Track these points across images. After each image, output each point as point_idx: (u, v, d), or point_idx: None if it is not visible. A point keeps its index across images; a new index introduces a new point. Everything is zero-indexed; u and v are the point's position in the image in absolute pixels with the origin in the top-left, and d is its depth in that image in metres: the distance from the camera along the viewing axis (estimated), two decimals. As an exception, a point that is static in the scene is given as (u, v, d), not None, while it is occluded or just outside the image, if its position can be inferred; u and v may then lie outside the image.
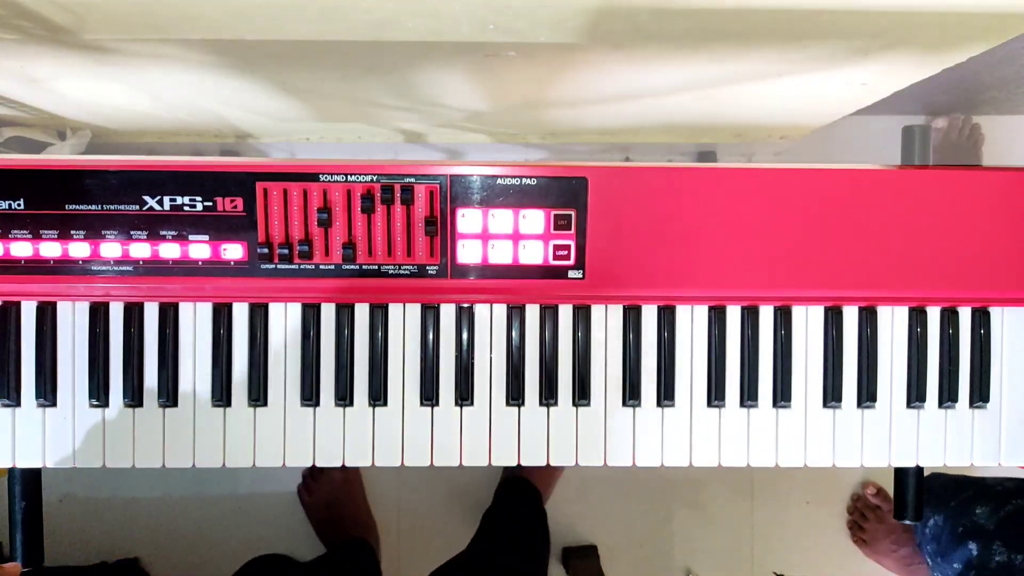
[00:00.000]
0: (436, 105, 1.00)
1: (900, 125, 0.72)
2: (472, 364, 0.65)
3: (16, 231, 0.61)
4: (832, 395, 0.66)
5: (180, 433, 0.64)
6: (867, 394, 0.66)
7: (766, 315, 0.66)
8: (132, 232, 0.61)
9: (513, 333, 0.65)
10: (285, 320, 0.64)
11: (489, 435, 0.65)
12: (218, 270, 0.62)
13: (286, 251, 0.62)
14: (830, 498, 1.45)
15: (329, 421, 0.64)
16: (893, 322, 0.66)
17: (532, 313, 0.65)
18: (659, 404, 0.66)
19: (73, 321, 0.63)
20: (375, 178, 0.62)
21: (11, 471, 0.66)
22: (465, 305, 0.65)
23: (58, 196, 0.61)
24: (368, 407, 0.64)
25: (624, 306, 0.65)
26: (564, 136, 1.20)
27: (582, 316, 0.65)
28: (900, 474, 0.71)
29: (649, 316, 0.66)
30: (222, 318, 0.64)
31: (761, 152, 1.25)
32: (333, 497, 1.26)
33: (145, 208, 0.61)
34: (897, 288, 0.65)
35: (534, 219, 0.63)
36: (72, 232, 0.61)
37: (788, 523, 1.44)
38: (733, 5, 0.59)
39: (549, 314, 0.65)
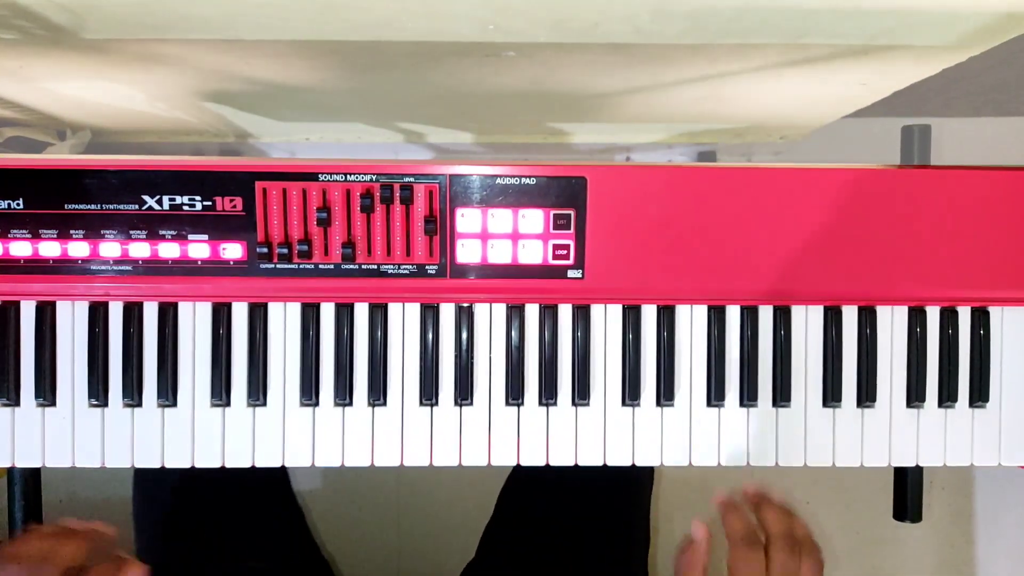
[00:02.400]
0: (435, 104, 1.00)
1: (900, 125, 0.72)
2: (472, 364, 0.65)
3: (15, 231, 0.61)
4: (832, 395, 0.66)
5: (179, 433, 0.64)
6: (867, 394, 0.66)
7: (765, 315, 0.66)
8: (131, 232, 0.61)
9: (513, 333, 0.65)
10: (284, 320, 0.64)
11: (489, 435, 0.65)
12: (217, 270, 0.62)
13: (285, 251, 0.62)
14: (830, 498, 1.45)
15: (328, 421, 0.64)
16: (892, 322, 0.66)
17: (531, 313, 0.65)
18: (658, 404, 0.66)
19: (72, 321, 0.63)
20: (374, 178, 0.62)
21: (11, 471, 0.66)
22: (465, 305, 0.65)
23: (58, 196, 0.61)
24: (367, 407, 0.64)
25: (624, 305, 0.65)
26: (563, 136, 1.20)
27: (581, 316, 0.65)
28: (900, 474, 0.71)
29: (649, 316, 0.66)
30: (221, 318, 0.64)
31: (761, 152, 1.25)
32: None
33: (144, 208, 0.61)
34: (896, 288, 0.65)
35: (533, 219, 0.63)
36: (71, 232, 0.61)
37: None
38: (733, 5, 0.59)
39: (548, 314, 0.65)
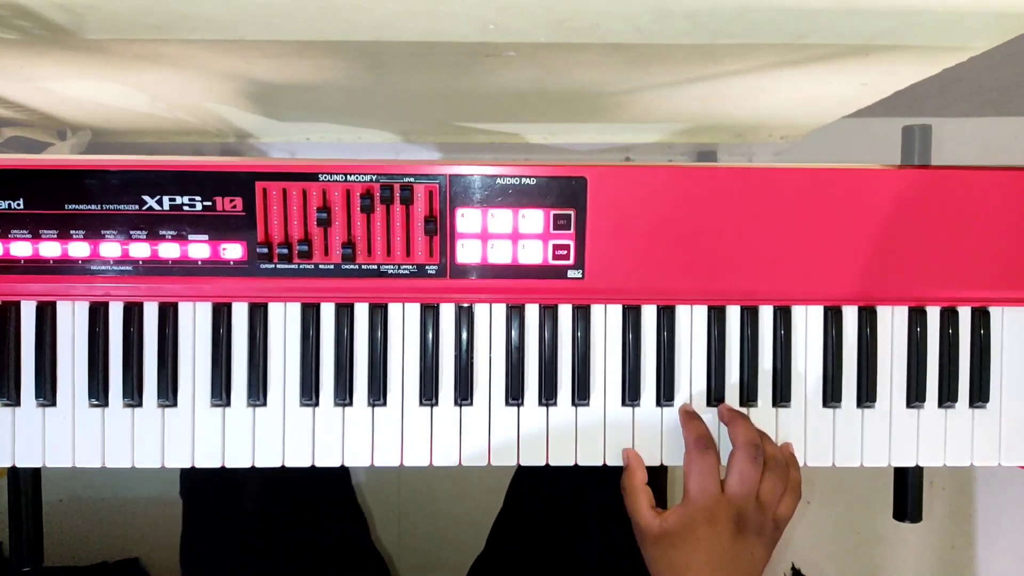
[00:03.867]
0: (435, 104, 1.00)
1: (900, 125, 0.72)
2: (472, 364, 0.65)
3: (16, 231, 0.61)
4: (832, 395, 0.66)
5: (179, 433, 0.64)
6: (867, 394, 0.66)
7: (766, 315, 0.66)
8: (132, 232, 0.61)
9: (512, 333, 0.65)
10: (284, 320, 0.64)
11: (488, 435, 0.65)
12: (217, 270, 0.62)
13: (285, 251, 0.62)
14: (831, 498, 1.45)
15: (328, 421, 0.64)
16: (893, 322, 0.66)
17: (531, 313, 0.65)
18: (658, 404, 0.66)
19: (73, 321, 0.63)
20: (374, 178, 0.62)
21: (11, 471, 0.66)
22: (465, 305, 0.65)
23: (58, 196, 0.61)
24: (367, 407, 0.64)
25: (624, 305, 0.65)
26: (564, 136, 1.20)
27: (581, 316, 0.65)
28: (900, 474, 0.71)
29: (649, 316, 0.66)
30: (221, 318, 0.64)
31: (761, 152, 1.25)
32: None
33: (145, 208, 0.61)
34: (897, 288, 0.65)
35: (533, 219, 0.63)
36: (72, 232, 0.61)
37: (789, 524, 1.44)
38: (733, 5, 0.59)
39: (548, 314, 0.65)
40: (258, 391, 0.63)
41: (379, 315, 0.64)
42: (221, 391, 0.63)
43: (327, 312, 0.64)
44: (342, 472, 0.89)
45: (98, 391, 0.63)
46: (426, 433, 0.65)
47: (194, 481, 0.82)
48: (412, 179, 0.62)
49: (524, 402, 0.65)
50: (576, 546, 0.83)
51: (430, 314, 0.64)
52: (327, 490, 0.85)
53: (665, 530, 0.59)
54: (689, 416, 0.64)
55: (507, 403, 0.65)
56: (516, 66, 0.77)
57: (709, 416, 0.66)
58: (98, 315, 0.63)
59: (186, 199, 0.61)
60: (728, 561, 0.58)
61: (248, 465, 0.64)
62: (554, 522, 0.85)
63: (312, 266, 0.63)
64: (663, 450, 0.66)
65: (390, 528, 1.41)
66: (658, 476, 0.68)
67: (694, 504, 0.59)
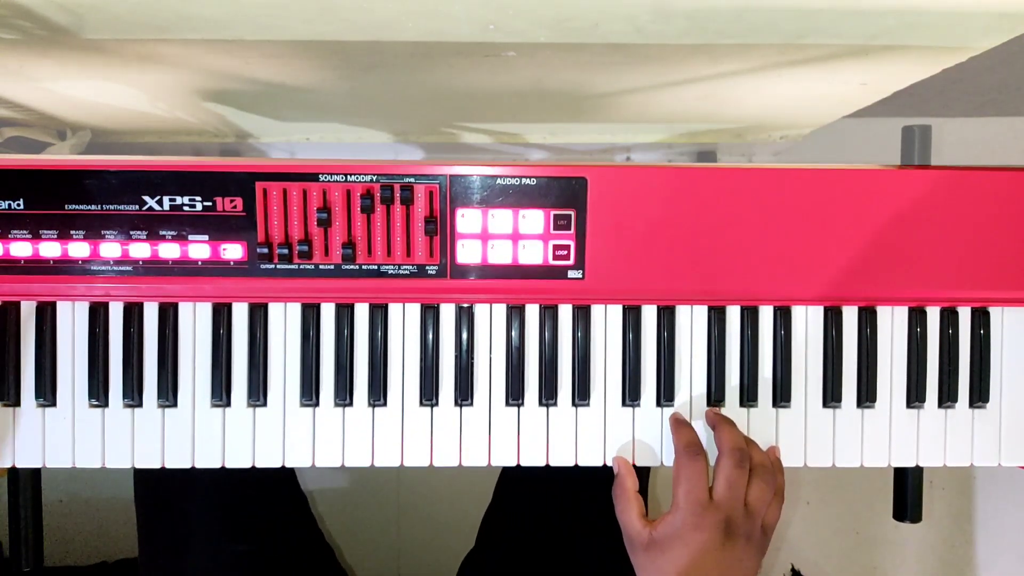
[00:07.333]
0: (435, 105, 1.00)
1: (900, 125, 0.72)
2: (472, 364, 0.65)
3: (16, 231, 0.61)
4: (832, 395, 0.66)
5: (179, 433, 0.64)
6: (867, 394, 0.66)
7: (766, 315, 0.66)
8: (132, 232, 0.61)
9: (513, 333, 0.65)
10: (285, 320, 0.64)
11: (489, 435, 0.65)
12: (218, 270, 0.62)
13: (286, 251, 0.62)
14: (830, 498, 1.45)
15: (329, 421, 0.64)
16: (893, 322, 0.66)
17: (532, 313, 0.65)
18: (658, 404, 0.66)
19: (73, 321, 0.63)
20: (375, 178, 0.62)
21: (11, 471, 0.66)
22: (465, 305, 0.65)
23: (58, 196, 0.61)
24: (368, 407, 0.64)
25: (624, 306, 0.65)
26: (564, 136, 1.20)
27: (582, 316, 0.65)
28: (900, 474, 0.71)
29: (649, 316, 0.66)
30: (222, 318, 0.64)
31: (761, 152, 1.25)
32: None
33: (145, 208, 0.61)
34: (897, 288, 0.65)
35: (534, 219, 0.63)
36: (72, 232, 0.61)
37: (788, 524, 1.44)
38: (733, 5, 0.59)
39: (549, 314, 0.65)
40: (258, 391, 0.63)
41: (379, 315, 0.64)
42: (221, 391, 0.63)
43: (327, 312, 0.64)
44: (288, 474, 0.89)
45: (98, 391, 0.63)
46: (426, 433, 0.65)
47: (147, 489, 0.81)
48: (412, 179, 0.62)
49: (524, 402, 0.65)
50: (565, 537, 0.83)
51: (430, 314, 0.64)
52: (270, 476, 0.84)
53: (654, 538, 0.59)
54: (679, 423, 0.64)
55: (507, 403, 0.65)
56: (516, 66, 0.77)
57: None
58: (98, 315, 0.63)
59: (186, 199, 0.61)
60: (717, 568, 0.58)
61: (248, 465, 0.64)
62: (543, 514, 0.85)
63: (312, 266, 0.63)
64: (663, 451, 0.66)
65: (390, 528, 1.41)
66: (641, 478, 0.68)
67: (683, 511, 0.59)
